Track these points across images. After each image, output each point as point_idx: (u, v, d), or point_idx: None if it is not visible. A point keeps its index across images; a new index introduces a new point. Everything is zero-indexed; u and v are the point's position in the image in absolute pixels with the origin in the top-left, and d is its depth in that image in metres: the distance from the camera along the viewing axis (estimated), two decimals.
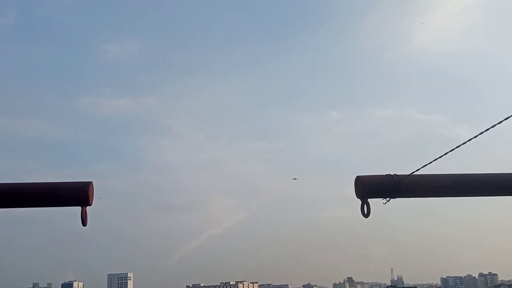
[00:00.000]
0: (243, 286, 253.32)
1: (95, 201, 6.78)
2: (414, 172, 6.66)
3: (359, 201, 6.92)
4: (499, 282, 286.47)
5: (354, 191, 7.04)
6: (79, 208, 6.80)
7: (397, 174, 6.92)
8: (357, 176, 7.00)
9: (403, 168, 6.98)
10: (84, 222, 6.76)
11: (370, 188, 6.85)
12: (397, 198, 6.94)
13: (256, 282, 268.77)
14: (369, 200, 6.91)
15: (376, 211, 7.30)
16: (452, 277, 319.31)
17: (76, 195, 6.69)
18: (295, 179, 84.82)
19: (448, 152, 6.17)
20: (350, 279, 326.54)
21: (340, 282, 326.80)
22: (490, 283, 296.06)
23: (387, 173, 6.97)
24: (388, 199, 6.97)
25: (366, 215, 6.87)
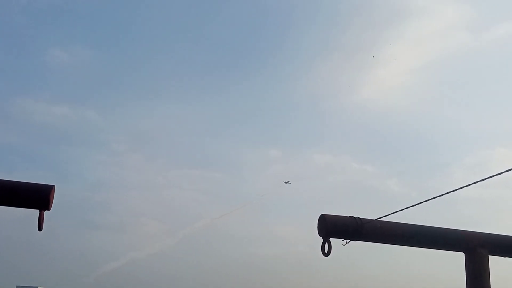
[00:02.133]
0: None
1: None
2: (378, 218, 6.90)
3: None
4: None
5: (316, 229, 7.17)
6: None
7: (360, 217, 7.14)
8: (322, 215, 7.14)
9: (336, 212, 7.17)
10: (40, 227, 6.43)
11: (334, 228, 7.00)
12: (357, 241, 7.14)
13: None
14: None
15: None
16: None
17: (36, 197, 6.38)
18: (287, 182, 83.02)
19: (415, 205, 6.46)
20: None
21: None
22: None
23: (351, 215, 7.17)
24: (348, 241, 7.14)
25: (327, 254, 6.99)
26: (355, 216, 7.13)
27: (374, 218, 7.04)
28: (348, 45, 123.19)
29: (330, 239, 7.03)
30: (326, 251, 7.02)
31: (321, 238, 7.08)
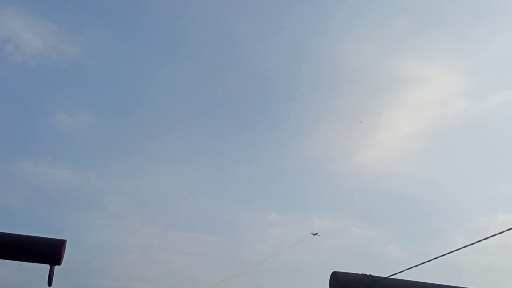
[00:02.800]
0: None
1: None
2: (391, 275, 6.82)
3: None
4: None
5: (328, 286, 7.06)
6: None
7: (372, 275, 7.04)
8: (334, 272, 7.06)
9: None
10: (50, 282, 6.38)
11: (346, 285, 6.90)
12: None
13: None
14: None
15: None
16: None
17: (48, 252, 6.37)
18: (316, 234, 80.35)
19: (425, 262, 6.41)
20: None
21: None
22: None
23: (363, 273, 7.09)
24: None
25: None
26: (368, 274, 7.04)
27: (386, 276, 6.95)
28: (349, 110, 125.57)
29: None
30: None
31: None
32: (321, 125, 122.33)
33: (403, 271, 6.79)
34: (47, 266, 6.46)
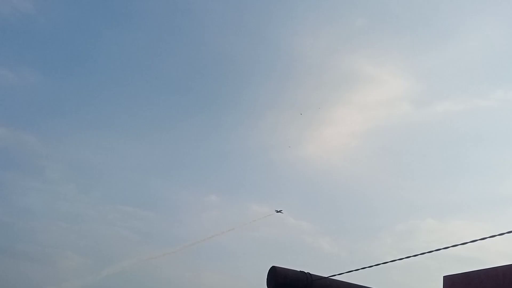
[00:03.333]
0: None
1: None
2: (329, 276, 6.98)
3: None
4: None
5: (266, 280, 7.13)
6: None
7: (310, 273, 7.18)
8: (273, 266, 7.14)
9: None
10: None
11: (284, 280, 7.00)
12: None
13: None
14: None
15: None
16: None
17: None
18: (280, 211, 78.75)
19: (366, 267, 6.60)
20: None
21: None
22: None
23: (301, 270, 7.22)
24: None
25: None
26: (306, 272, 7.17)
27: (325, 276, 7.11)
28: (298, 102, 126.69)
29: None
30: None
31: None
32: (270, 114, 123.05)
33: (343, 273, 6.97)
34: None
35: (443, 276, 11.29)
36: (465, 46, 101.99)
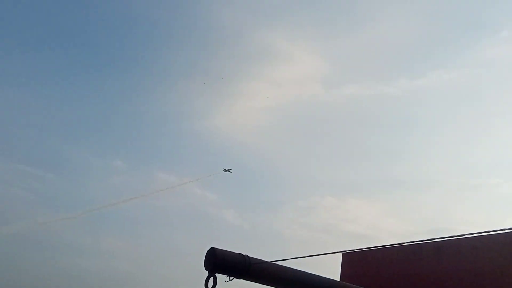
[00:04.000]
0: None
1: None
2: (272, 261, 6.86)
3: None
4: None
5: (203, 262, 6.79)
6: None
7: (249, 256, 6.99)
8: (212, 248, 6.80)
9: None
10: None
11: (222, 263, 6.70)
12: (240, 280, 6.96)
13: None
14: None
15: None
16: None
17: None
18: (228, 170, 70.84)
19: (314, 255, 6.61)
20: None
21: None
22: None
23: (240, 252, 6.99)
24: (232, 278, 6.92)
25: None
26: (244, 254, 6.96)
27: (264, 259, 6.99)
28: (213, 73, 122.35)
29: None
30: (210, 286, 6.67)
31: (206, 272, 6.72)
32: (184, 81, 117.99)
33: (284, 259, 6.90)
34: None
35: (342, 253, 11.95)
36: (376, 34, 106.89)
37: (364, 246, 10.06)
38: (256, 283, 7.29)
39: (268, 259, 7.27)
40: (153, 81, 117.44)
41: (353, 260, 12.06)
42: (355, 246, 12.43)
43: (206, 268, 6.79)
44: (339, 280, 11.92)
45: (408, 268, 11.45)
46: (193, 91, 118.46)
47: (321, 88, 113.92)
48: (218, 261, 6.74)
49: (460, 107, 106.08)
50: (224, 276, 6.92)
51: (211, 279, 6.74)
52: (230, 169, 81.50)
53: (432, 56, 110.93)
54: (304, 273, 7.47)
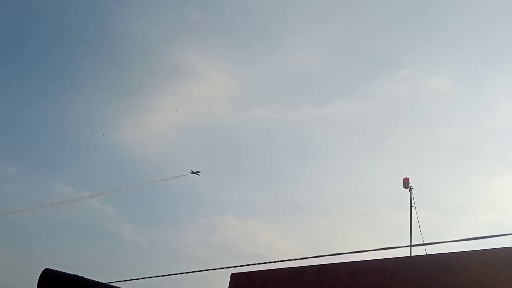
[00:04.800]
0: None
1: None
2: (107, 282, 6.82)
3: None
4: None
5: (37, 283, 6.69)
6: None
7: (85, 277, 6.93)
8: (46, 269, 6.72)
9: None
10: None
11: (56, 284, 6.64)
12: None
13: None
14: None
15: None
16: None
17: None
18: (196, 172, 67.30)
19: (164, 275, 6.59)
20: None
21: None
22: None
23: (76, 274, 6.92)
24: None
25: None
26: (80, 276, 6.90)
27: (102, 281, 6.94)
28: (121, 83, 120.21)
29: None
30: None
31: None
32: (92, 90, 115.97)
33: (126, 280, 6.86)
34: None
35: (231, 273, 11.96)
36: (287, 61, 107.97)
37: (261, 267, 10.09)
38: None
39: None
40: (59, 87, 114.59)
41: (240, 282, 12.07)
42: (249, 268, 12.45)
43: None
44: None
45: None
46: (100, 102, 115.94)
47: (230, 109, 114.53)
48: (52, 283, 6.66)
49: (358, 137, 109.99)
50: None
51: None
52: (198, 172, 78.24)
53: (337, 87, 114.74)
54: None
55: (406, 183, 17.83)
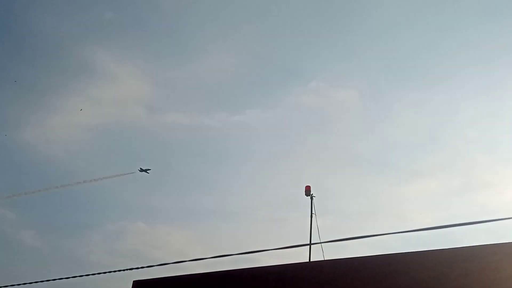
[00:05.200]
0: None
1: None
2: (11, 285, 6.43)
3: None
4: None
5: None
6: None
7: None
8: None
9: None
10: None
11: None
12: None
13: None
14: None
15: None
16: None
17: None
18: (145, 170, 58.68)
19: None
20: None
21: None
22: None
23: None
24: None
25: None
26: None
27: None
28: (25, 81, 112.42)
29: None
30: None
31: None
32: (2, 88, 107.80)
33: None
34: None
35: (133, 281, 11.72)
36: (203, 67, 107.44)
37: (169, 274, 9.99)
38: None
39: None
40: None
41: None
42: (161, 274, 12.29)
43: None
44: None
45: None
46: (2, 100, 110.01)
47: (143, 112, 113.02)
48: None
49: (270, 145, 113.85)
50: None
51: None
52: (148, 170, 73.44)
53: (251, 94, 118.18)
54: None
55: (307, 190, 18.59)
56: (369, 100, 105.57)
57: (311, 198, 18.40)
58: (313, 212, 18.05)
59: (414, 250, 9.72)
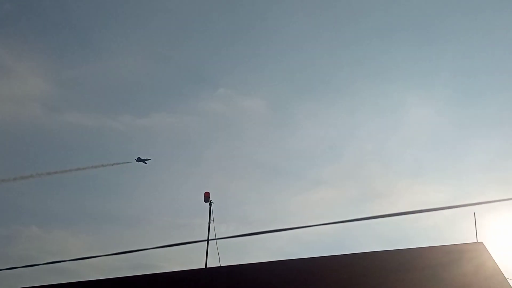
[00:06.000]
0: None
1: None
2: None
3: None
4: None
5: None
6: None
7: None
8: None
9: None
10: None
11: None
12: None
13: None
14: None
15: None
16: None
17: None
18: (144, 160, 46.02)
19: None
20: None
21: None
22: None
23: None
24: None
25: None
26: None
27: None
28: None
29: None
30: None
31: None
32: None
33: None
34: None
35: None
36: (108, 67, 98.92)
37: (65, 280, 9.70)
38: None
39: None
40: None
41: None
42: (55, 281, 11.82)
43: None
44: None
45: None
46: None
47: (41, 111, 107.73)
48: None
49: (176, 150, 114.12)
50: None
51: None
52: (148, 159, 62.71)
53: (157, 98, 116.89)
54: None
55: (206, 197, 18.74)
56: (275, 109, 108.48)
57: (210, 205, 18.59)
58: (211, 218, 18.26)
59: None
